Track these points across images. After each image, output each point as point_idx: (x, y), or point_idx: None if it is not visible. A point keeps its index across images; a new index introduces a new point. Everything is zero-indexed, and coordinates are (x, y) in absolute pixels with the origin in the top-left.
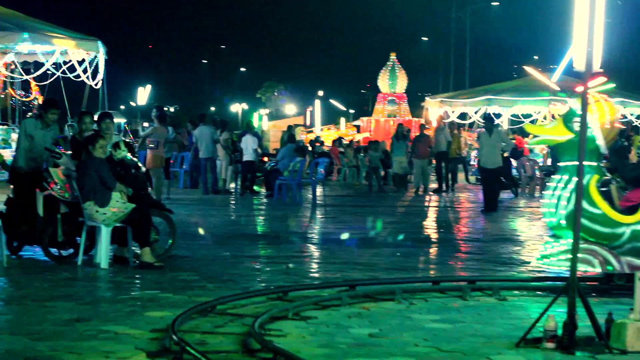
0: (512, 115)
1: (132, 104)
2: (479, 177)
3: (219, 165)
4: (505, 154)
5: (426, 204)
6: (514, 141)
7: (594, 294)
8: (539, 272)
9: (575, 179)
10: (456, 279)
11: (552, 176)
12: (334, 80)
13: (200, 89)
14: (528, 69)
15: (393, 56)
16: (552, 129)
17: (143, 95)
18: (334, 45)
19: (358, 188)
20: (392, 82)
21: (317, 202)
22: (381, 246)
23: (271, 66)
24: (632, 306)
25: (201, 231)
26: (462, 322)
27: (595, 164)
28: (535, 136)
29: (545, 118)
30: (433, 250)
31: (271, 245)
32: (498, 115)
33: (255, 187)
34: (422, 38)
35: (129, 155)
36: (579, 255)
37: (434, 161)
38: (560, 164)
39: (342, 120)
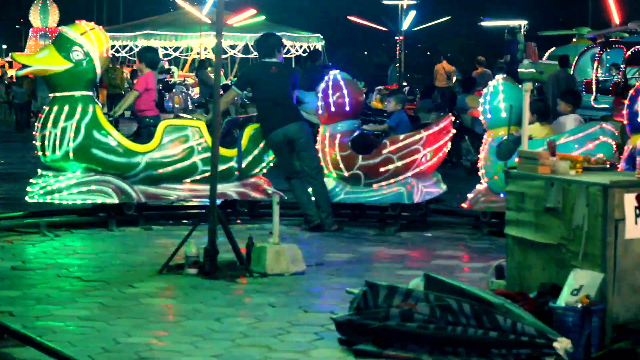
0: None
1: None
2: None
3: None
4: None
5: None
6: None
7: (238, 221)
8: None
9: (80, 108)
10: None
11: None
12: None
13: None
14: (180, 2)
15: None
16: (45, 58)
17: None
18: None
19: (11, 123)
20: (43, 16)
21: None
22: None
23: None
24: (272, 230)
25: None
26: (107, 252)
27: (91, 93)
28: (25, 66)
29: (198, 52)
30: None
31: None
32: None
33: None
34: None
35: None
36: (93, 187)
37: None
38: (55, 94)
39: None
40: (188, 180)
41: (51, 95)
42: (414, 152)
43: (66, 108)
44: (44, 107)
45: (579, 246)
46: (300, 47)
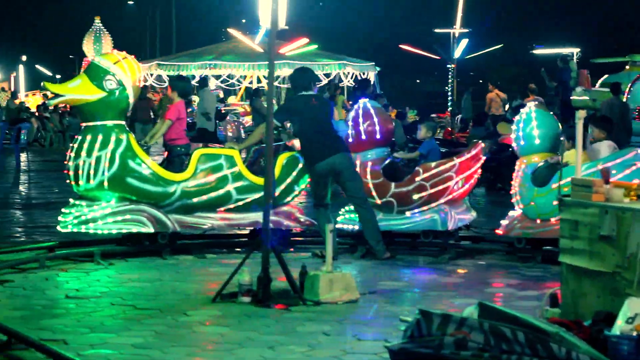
0: (219, 78)
1: None
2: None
3: None
4: None
5: None
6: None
7: (292, 249)
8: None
9: (114, 137)
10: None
11: (76, 136)
12: (39, 45)
13: None
14: (232, 31)
15: (98, 20)
16: (78, 87)
17: None
18: (38, 10)
19: (64, 153)
20: (97, 46)
21: (21, 167)
22: None
23: None
24: (325, 258)
25: None
26: (161, 280)
27: (123, 122)
28: (57, 95)
29: (251, 82)
30: None
31: None
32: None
33: None
34: (128, 2)
35: None
36: (128, 216)
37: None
38: (88, 124)
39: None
40: (222, 208)
41: (83, 124)
42: (447, 179)
43: (100, 137)
44: (76, 136)
45: (634, 274)
46: (353, 75)
